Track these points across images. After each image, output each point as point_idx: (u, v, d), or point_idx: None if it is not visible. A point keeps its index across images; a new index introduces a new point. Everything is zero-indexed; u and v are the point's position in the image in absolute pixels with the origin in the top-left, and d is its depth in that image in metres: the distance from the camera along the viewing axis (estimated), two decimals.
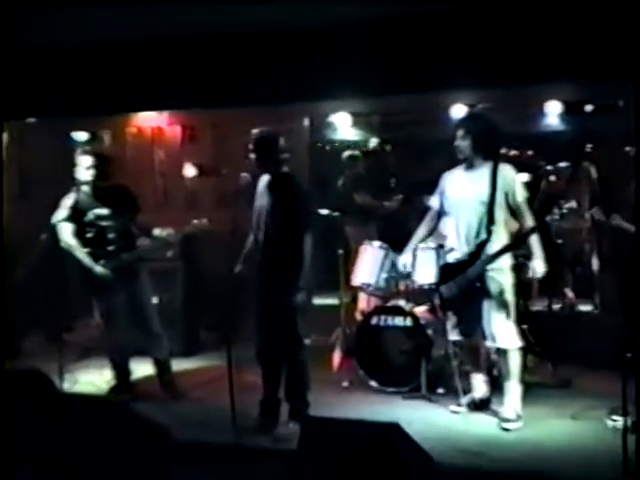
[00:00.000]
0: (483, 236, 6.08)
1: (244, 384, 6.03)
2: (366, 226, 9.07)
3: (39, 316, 8.47)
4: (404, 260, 6.74)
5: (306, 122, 9.77)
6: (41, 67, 7.72)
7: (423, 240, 6.70)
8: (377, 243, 7.58)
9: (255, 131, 6.27)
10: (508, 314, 6.06)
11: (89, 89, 7.85)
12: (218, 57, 7.53)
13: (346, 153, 9.66)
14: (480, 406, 6.42)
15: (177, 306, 8.78)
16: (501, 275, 6.08)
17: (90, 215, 6.98)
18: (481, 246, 6.08)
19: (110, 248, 6.96)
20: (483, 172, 6.17)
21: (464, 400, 6.45)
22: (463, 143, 6.20)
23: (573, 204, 5.83)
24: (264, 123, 6.68)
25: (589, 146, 7.57)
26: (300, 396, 6.13)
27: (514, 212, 6.15)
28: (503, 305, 6.05)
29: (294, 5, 6.34)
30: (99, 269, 6.89)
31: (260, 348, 6.16)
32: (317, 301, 8.97)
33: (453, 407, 6.44)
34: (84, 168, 6.96)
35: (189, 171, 8.98)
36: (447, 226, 6.56)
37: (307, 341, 6.46)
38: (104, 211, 6.99)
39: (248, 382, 6.24)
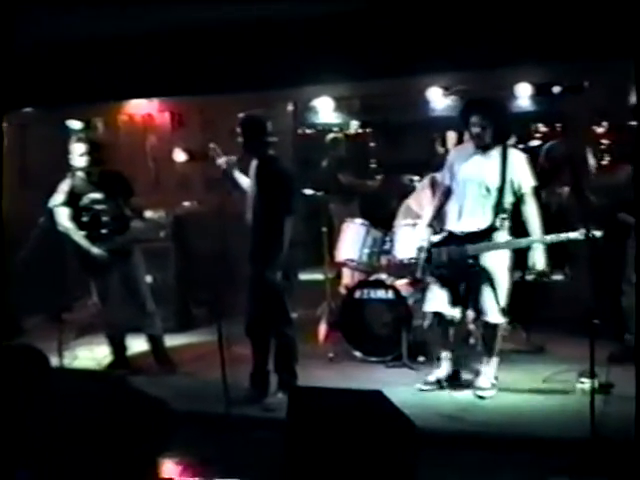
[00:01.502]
0: (488, 221, 5.92)
1: (235, 357, 6.05)
2: (349, 204, 9.10)
3: (39, 297, 8.48)
4: (421, 237, 6.24)
5: (290, 107, 9.75)
6: (35, 59, 7.72)
7: (436, 216, 6.34)
8: (359, 220, 7.61)
9: (242, 114, 6.25)
10: (502, 291, 5.95)
11: (83, 79, 7.86)
12: (204, 46, 7.54)
13: (329, 136, 9.67)
14: (448, 382, 6.27)
15: (170, 284, 8.81)
16: (498, 256, 5.95)
17: (85, 199, 6.99)
18: (488, 231, 5.92)
19: (104, 231, 6.98)
20: (493, 158, 5.97)
21: (431, 378, 6.33)
22: (481, 130, 5.92)
23: (600, 233, 5.57)
24: (250, 108, 6.70)
25: (558, 125, 7.60)
26: (288, 368, 6.17)
27: (519, 199, 5.96)
28: (498, 283, 5.93)
29: None
30: (95, 251, 6.91)
31: (248, 323, 6.20)
32: (303, 277, 9.00)
33: (421, 385, 6.29)
34: (78, 155, 6.97)
35: (179, 156, 8.95)
36: (449, 203, 6.26)
37: (294, 315, 6.50)
38: (98, 195, 7.00)
39: (239, 355, 6.27)
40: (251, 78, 7.49)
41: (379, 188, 9.44)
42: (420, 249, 6.21)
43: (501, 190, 5.91)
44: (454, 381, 6.34)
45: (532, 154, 8.20)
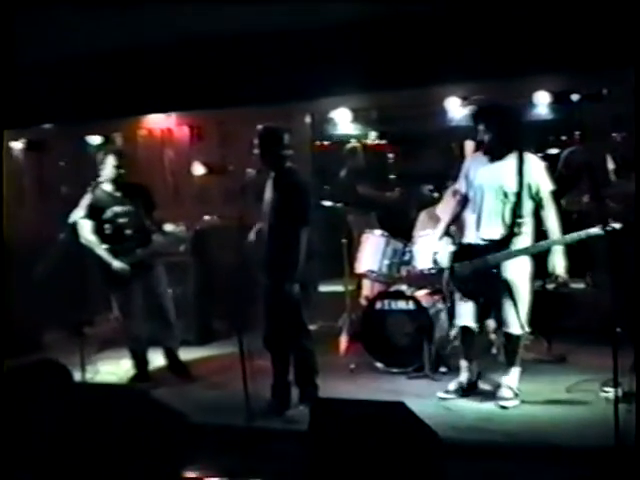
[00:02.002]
0: (508, 228, 5.90)
1: (256, 369, 6.06)
2: (368, 215, 9.09)
3: (61, 312, 8.53)
4: (440, 248, 6.28)
5: (308, 119, 9.79)
6: (54, 75, 7.77)
7: (450, 225, 6.42)
8: (378, 231, 7.60)
9: (260, 127, 6.27)
10: (524, 302, 5.94)
11: (102, 94, 7.91)
12: (222, 59, 7.57)
13: (347, 145, 9.68)
14: (468, 391, 6.30)
15: (190, 298, 8.84)
16: (519, 264, 5.93)
17: (108, 212, 7.04)
18: (508, 238, 5.89)
19: (127, 244, 7.02)
20: (508, 163, 5.95)
21: (452, 386, 6.35)
22: (487, 136, 5.97)
23: (618, 225, 5.53)
24: (268, 121, 6.71)
25: (577, 133, 7.58)
26: (309, 381, 6.17)
27: (538, 204, 5.93)
28: (520, 293, 5.92)
29: (292, 6, 6.39)
30: (117, 264, 6.94)
31: (266, 336, 6.20)
32: (323, 288, 8.99)
33: (441, 394, 6.31)
34: (112, 166, 7.02)
35: (198, 169, 9.01)
36: (467, 212, 6.28)
37: (314, 327, 6.51)
38: (121, 208, 7.05)
39: (260, 367, 6.27)
40: (268, 90, 7.51)
41: (398, 199, 9.44)
42: (440, 261, 6.23)
43: (519, 195, 5.88)
44: (473, 390, 6.34)
45: (551, 161, 8.22)
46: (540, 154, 8.05)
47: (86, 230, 7.02)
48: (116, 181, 7.06)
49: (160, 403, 4.76)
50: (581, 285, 8.46)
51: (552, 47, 6.53)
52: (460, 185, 6.33)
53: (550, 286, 7.61)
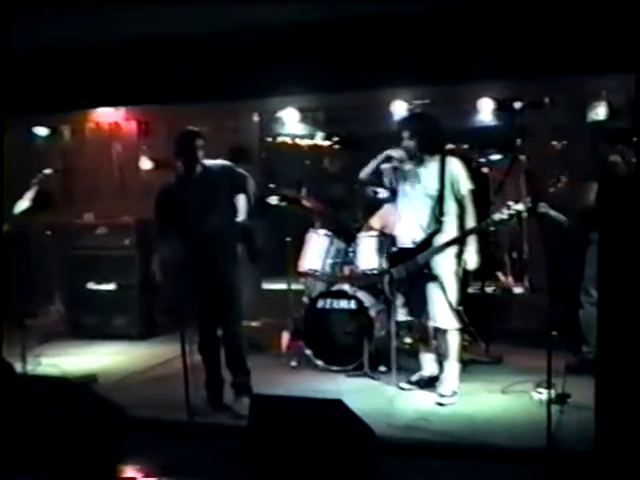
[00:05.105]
0: (433, 227, 6.11)
1: (198, 364, 6.04)
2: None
3: (2, 303, 8.40)
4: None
5: (256, 117, 9.76)
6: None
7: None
8: (322, 231, 7.60)
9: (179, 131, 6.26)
10: (449, 297, 6.07)
11: (50, 87, 7.83)
12: (172, 57, 7.53)
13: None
14: (429, 384, 6.40)
15: (134, 291, 8.76)
16: (445, 261, 6.10)
17: None
18: (432, 235, 6.09)
19: None
20: (432, 167, 6.18)
21: (414, 378, 6.48)
22: (410, 143, 6.18)
23: (521, 206, 5.82)
24: (216, 118, 6.70)
25: (518, 140, 7.67)
26: (240, 362, 6.12)
27: (459, 203, 6.16)
28: (445, 289, 6.06)
29: (243, 6, 6.38)
30: None
31: (203, 336, 6.17)
32: (266, 286, 8.96)
33: (403, 384, 6.42)
34: None
35: (145, 163, 8.92)
36: (398, 216, 6.47)
37: (257, 323, 6.48)
38: None
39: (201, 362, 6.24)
40: (217, 88, 7.49)
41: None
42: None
43: (441, 195, 6.11)
44: (433, 385, 6.38)
45: (491, 167, 8.32)
46: (483, 159, 8.17)
47: None
48: None
49: (98, 397, 4.72)
50: (519, 289, 8.56)
51: (498, 54, 6.62)
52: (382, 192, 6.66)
53: (489, 289, 7.72)
